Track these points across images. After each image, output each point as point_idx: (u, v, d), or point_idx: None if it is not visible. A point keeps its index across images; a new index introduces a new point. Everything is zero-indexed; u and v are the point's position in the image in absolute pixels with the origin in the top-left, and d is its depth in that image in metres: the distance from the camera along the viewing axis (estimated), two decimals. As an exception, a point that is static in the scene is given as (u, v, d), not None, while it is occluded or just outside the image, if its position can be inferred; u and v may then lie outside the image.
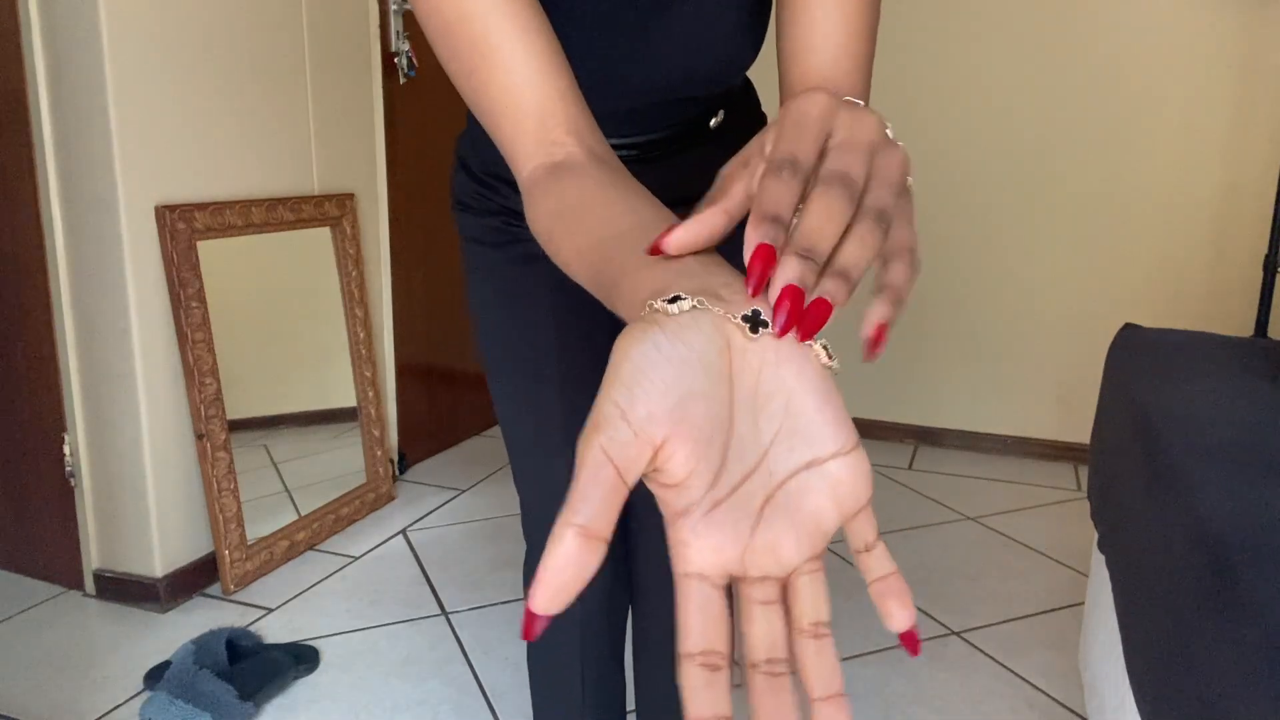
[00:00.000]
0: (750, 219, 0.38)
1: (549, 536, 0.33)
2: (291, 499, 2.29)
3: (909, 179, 0.42)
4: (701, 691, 0.35)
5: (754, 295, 0.37)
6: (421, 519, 2.51)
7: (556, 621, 1.07)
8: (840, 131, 0.40)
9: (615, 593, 1.07)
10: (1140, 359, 1.44)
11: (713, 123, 0.89)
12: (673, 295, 0.37)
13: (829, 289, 0.36)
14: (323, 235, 2.39)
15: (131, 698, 1.71)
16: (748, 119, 0.95)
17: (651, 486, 0.37)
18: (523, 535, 1.07)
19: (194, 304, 2.00)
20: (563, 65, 0.58)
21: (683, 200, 0.91)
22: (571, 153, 0.56)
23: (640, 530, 1.05)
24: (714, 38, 0.76)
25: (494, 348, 0.97)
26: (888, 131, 0.42)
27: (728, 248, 0.44)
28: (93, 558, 2.07)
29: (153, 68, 1.91)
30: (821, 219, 0.37)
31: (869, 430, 3.16)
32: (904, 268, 0.42)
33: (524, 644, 1.89)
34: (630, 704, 1.17)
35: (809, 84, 0.65)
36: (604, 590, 1.05)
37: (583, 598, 1.05)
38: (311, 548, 2.31)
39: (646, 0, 0.73)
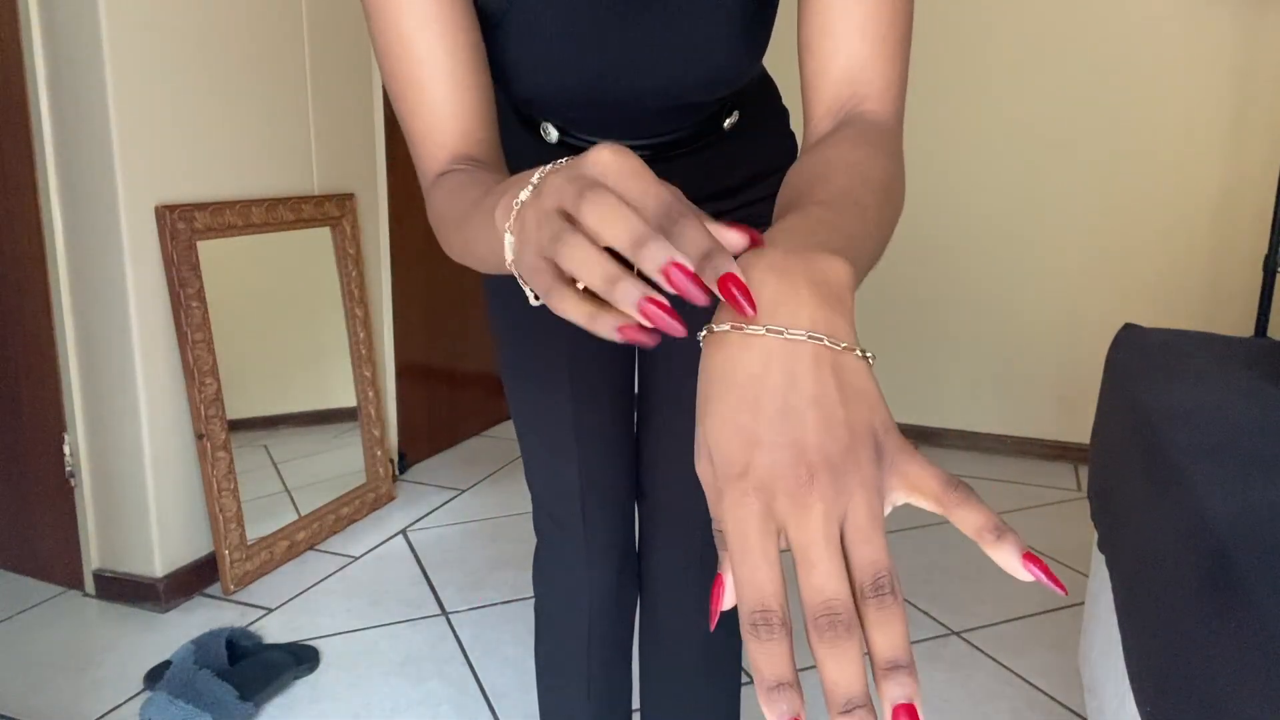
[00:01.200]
0: (761, 697, 0.37)
1: None
2: (291, 499, 2.29)
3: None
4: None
5: None
6: (421, 519, 2.51)
7: (564, 615, 1.07)
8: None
9: (624, 587, 1.07)
10: (1140, 359, 1.44)
11: (727, 124, 0.89)
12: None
13: (896, 694, 0.36)
14: (323, 235, 2.39)
15: (131, 698, 1.71)
16: (765, 114, 0.94)
17: None
18: (533, 530, 1.11)
19: (194, 304, 2.00)
20: (481, 98, 0.69)
21: (709, 197, 0.91)
22: (460, 170, 0.66)
23: (651, 529, 1.05)
24: (702, 48, 0.75)
25: (511, 364, 1.01)
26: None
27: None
28: (93, 558, 2.07)
29: (153, 68, 1.91)
30: (835, 671, 0.36)
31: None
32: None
33: (524, 644, 1.89)
34: (634, 703, 1.17)
35: (830, 111, 0.63)
36: (613, 585, 1.06)
37: (592, 592, 1.04)
38: (311, 548, 2.31)
39: (624, 12, 0.73)
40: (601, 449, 1.01)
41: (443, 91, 0.67)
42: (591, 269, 0.40)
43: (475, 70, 0.69)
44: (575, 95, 0.78)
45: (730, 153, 0.91)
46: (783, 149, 0.96)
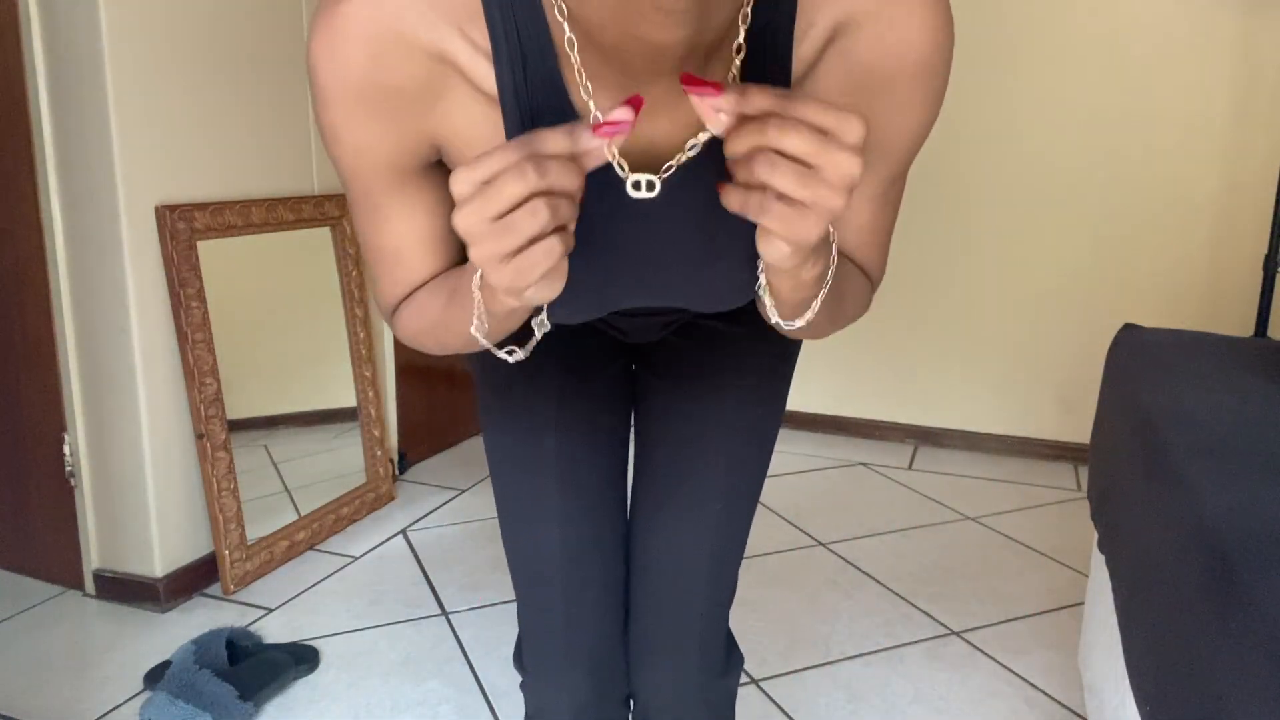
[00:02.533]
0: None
1: None
2: (291, 499, 2.29)
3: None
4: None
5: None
6: (421, 519, 2.51)
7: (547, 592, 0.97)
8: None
9: (612, 568, 0.99)
10: (1140, 359, 1.44)
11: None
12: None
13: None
14: (323, 235, 2.39)
15: (131, 698, 1.71)
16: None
17: None
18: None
19: (194, 304, 2.00)
20: (454, 245, 0.72)
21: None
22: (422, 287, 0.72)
23: (645, 519, 0.98)
24: (732, 280, 0.73)
25: (495, 424, 0.95)
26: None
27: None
28: (93, 558, 2.07)
29: (153, 68, 1.91)
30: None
31: (869, 430, 3.16)
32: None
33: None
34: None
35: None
36: (602, 563, 0.98)
37: (585, 583, 0.96)
38: (311, 548, 2.31)
39: (643, 256, 0.70)
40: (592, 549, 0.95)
41: (414, 252, 0.70)
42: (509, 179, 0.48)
43: (448, 230, 0.71)
44: (583, 310, 0.76)
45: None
46: None
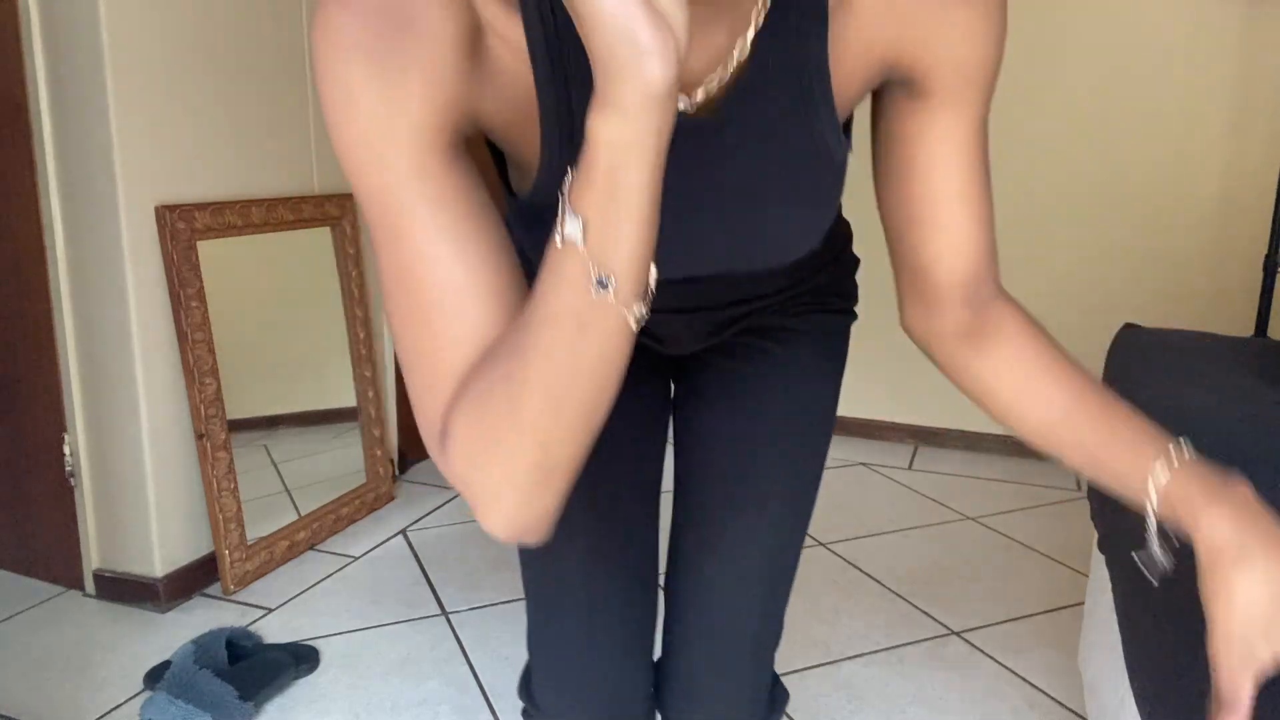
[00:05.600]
0: None
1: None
2: (291, 499, 2.29)
3: None
4: None
5: None
6: (421, 519, 2.51)
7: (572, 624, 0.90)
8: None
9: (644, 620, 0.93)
10: (1140, 359, 1.44)
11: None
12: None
13: None
14: (323, 235, 2.39)
15: (131, 698, 1.71)
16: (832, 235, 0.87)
17: None
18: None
19: (194, 304, 2.00)
20: (512, 300, 0.52)
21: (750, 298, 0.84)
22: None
23: (689, 554, 0.92)
24: (792, 236, 0.69)
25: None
26: None
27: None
28: (93, 558, 2.07)
29: (152, 68, 1.91)
30: None
31: (869, 430, 3.16)
32: None
33: (524, 643, 1.89)
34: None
35: (965, 300, 0.70)
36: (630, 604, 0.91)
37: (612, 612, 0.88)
38: (311, 548, 2.31)
39: (709, 207, 0.65)
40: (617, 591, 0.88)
41: (469, 320, 0.51)
42: None
43: (505, 276, 0.53)
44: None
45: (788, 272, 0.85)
46: (837, 243, 0.90)
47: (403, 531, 2.42)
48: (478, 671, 1.80)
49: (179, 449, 2.02)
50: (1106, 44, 2.72)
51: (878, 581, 2.17)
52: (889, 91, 0.66)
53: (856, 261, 0.93)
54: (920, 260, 0.69)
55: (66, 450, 2.02)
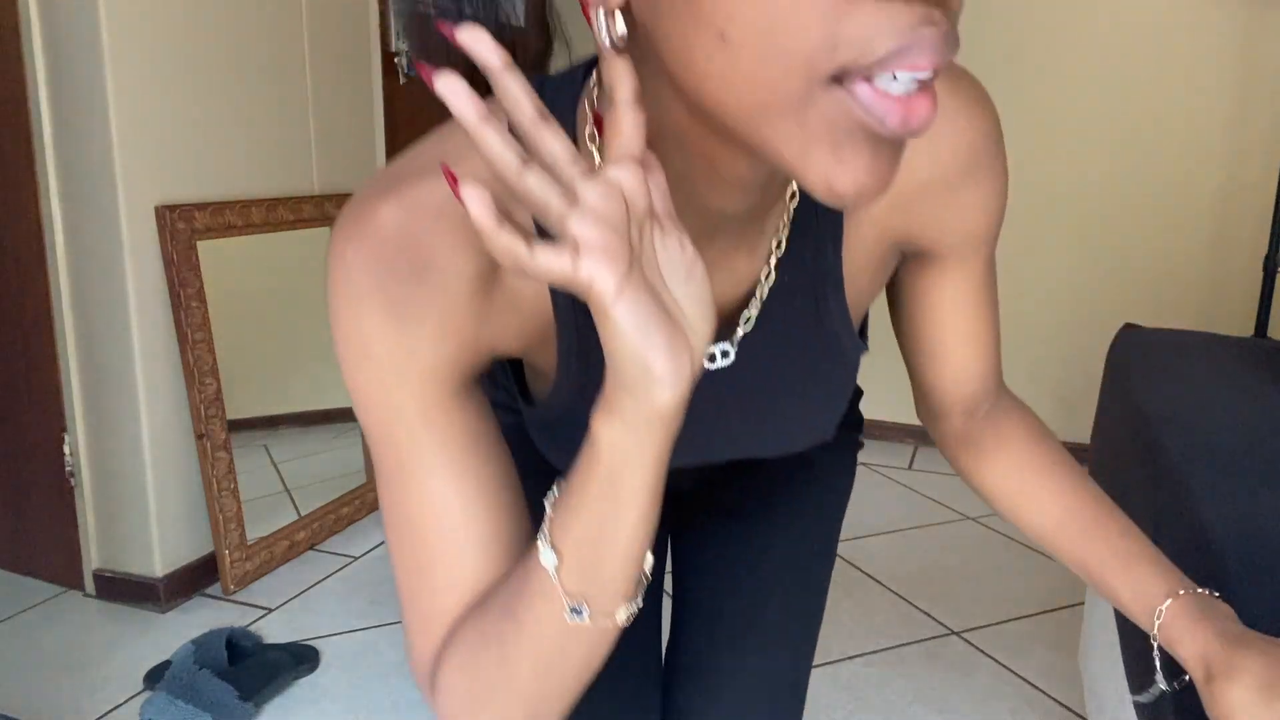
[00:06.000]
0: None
1: None
2: (291, 499, 2.29)
3: None
4: None
5: None
6: (421, 519, 2.50)
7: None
8: None
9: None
10: (1140, 359, 1.44)
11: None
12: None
13: None
14: (323, 235, 2.39)
15: (131, 698, 1.71)
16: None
17: None
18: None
19: (194, 304, 2.00)
20: (515, 541, 0.54)
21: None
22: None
23: (694, 681, 0.89)
24: (813, 424, 0.71)
25: None
26: None
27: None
28: (93, 558, 2.06)
29: (153, 68, 1.91)
30: None
31: (869, 430, 3.16)
32: None
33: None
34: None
35: (965, 410, 0.74)
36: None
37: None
38: (311, 548, 2.31)
39: (734, 408, 0.65)
40: None
41: (466, 567, 0.52)
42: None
43: (507, 517, 0.54)
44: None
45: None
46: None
47: (403, 531, 2.42)
48: (478, 671, 1.80)
49: (179, 449, 2.02)
50: (1106, 44, 2.72)
51: (878, 581, 2.17)
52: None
53: (860, 392, 0.94)
54: (926, 380, 0.73)
55: (66, 450, 2.02)
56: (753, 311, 0.58)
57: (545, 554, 0.47)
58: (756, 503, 0.88)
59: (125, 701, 1.70)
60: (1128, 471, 1.22)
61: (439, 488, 0.52)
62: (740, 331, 0.59)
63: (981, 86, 0.61)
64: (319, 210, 2.36)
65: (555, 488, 0.48)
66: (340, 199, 2.43)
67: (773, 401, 0.66)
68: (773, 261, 0.58)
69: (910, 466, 2.92)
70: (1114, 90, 2.73)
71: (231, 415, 2.10)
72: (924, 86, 0.38)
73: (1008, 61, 2.81)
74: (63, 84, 1.86)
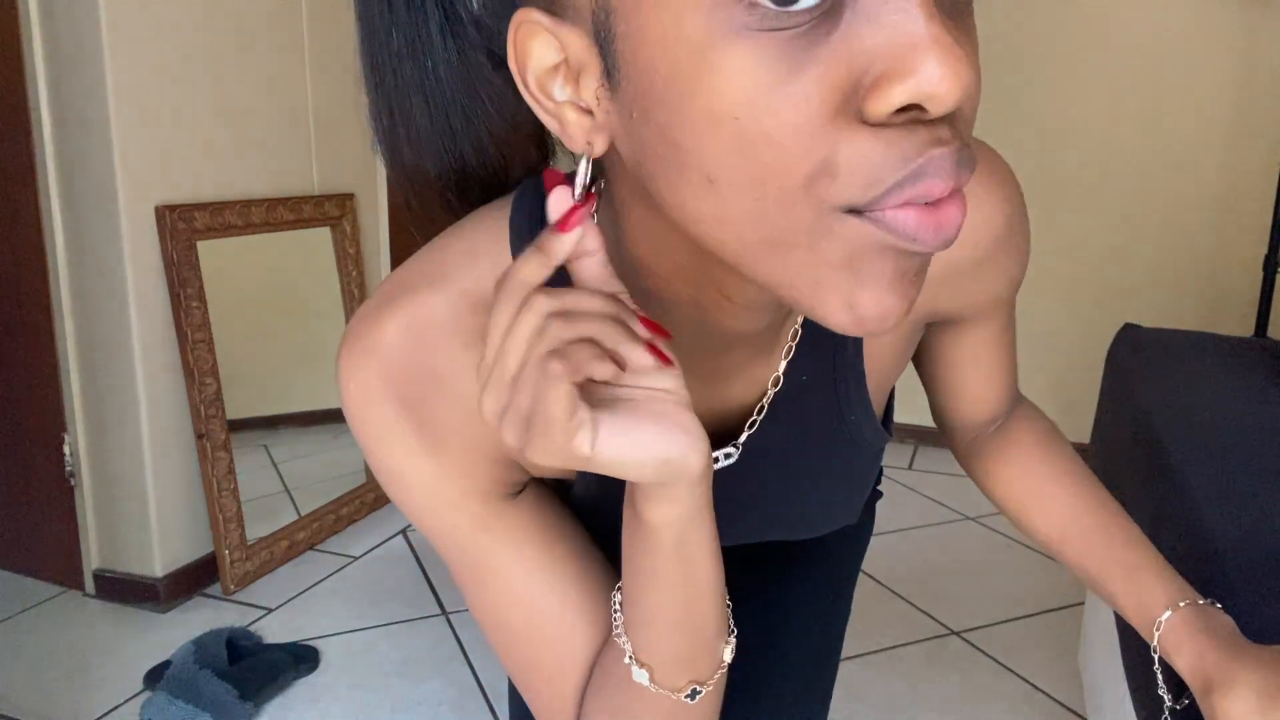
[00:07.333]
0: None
1: None
2: (291, 499, 2.29)
3: None
4: None
5: None
6: (421, 519, 2.50)
7: None
8: None
9: None
10: (1140, 359, 1.44)
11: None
12: None
13: None
14: (323, 235, 2.39)
15: (131, 698, 1.71)
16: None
17: None
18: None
19: (194, 304, 2.00)
20: (604, 611, 0.56)
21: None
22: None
23: None
24: (838, 508, 0.71)
25: None
26: None
27: None
28: (93, 558, 2.07)
29: (152, 68, 1.91)
30: None
31: (869, 430, 3.16)
32: None
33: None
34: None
35: (973, 428, 0.76)
36: None
37: None
38: (311, 548, 2.31)
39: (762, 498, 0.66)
40: None
41: (575, 644, 0.55)
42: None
43: (598, 582, 0.56)
44: None
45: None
46: None
47: (403, 531, 2.42)
48: (477, 672, 1.80)
49: (179, 449, 2.02)
50: (1106, 45, 2.72)
51: (878, 581, 2.17)
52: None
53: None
54: (944, 407, 0.76)
55: (66, 450, 2.02)
56: (758, 418, 0.59)
57: (637, 673, 0.49)
58: (776, 588, 0.86)
59: (125, 701, 1.70)
60: (1128, 471, 1.22)
61: (521, 585, 0.53)
62: (745, 435, 0.59)
63: (1000, 157, 0.59)
64: (319, 210, 2.36)
65: (617, 603, 0.50)
66: (340, 199, 2.43)
67: (791, 493, 0.66)
68: (782, 368, 0.58)
69: (910, 466, 2.92)
70: (1114, 91, 2.73)
71: (231, 415, 2.10)
72: (953, 192, 0.36)
73: (1007, 63, 2.81)
74: (63, 84, 1.86)
